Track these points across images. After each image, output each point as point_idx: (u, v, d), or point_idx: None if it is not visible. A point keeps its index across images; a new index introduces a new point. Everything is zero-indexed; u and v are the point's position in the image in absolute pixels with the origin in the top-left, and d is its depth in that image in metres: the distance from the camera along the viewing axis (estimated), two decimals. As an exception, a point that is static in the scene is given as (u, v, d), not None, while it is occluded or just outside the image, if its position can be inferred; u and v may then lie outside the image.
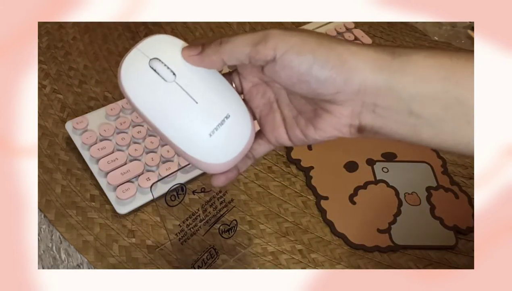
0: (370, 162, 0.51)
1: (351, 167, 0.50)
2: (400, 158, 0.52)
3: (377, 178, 0.50)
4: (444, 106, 0.23)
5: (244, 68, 0.28)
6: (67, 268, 0.39)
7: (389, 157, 0.52)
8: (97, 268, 0.39)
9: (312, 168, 0.49)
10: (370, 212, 0.47)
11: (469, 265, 0.44)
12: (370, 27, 0.68)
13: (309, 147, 0.51)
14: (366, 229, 0.45)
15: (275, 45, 0.23)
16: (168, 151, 0.45)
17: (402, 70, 0.23)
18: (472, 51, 0.25)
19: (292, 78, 0.24)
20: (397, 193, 0.49)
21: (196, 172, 0.46)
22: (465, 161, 0.53)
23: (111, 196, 0.42)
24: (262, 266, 0.42)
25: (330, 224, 0.45)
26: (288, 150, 0.50)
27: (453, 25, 0.70)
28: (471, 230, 0.46)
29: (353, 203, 0.47)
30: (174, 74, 0.26)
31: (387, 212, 0.47)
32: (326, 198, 0.47)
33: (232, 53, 0.25)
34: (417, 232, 0.46)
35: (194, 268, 0.38)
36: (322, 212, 0.46)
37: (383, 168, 0.51)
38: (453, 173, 0.52)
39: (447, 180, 0.51)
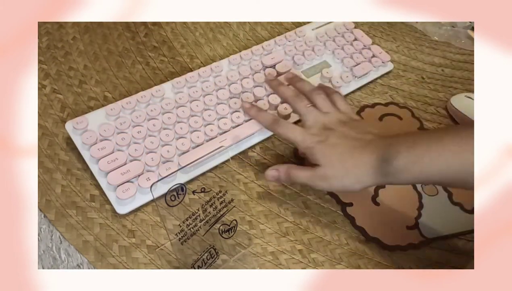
0: None
1: None
2: None
3: None
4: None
5: None
6: (67, 268, 0.39)
7: None
8: (97, 268, 0.39)
9: None
10: (395, 210, 0.46)
11: (469, 265, 0.44)
12: (370, 27, 0.68)
13: None
14: (395, 229, 0.45)
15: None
16: (168, 151, 0.45)
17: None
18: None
19: None
20: (414, 186, 0.48)
21: (196, 172, 0.46)
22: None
23: (111, 196, 0.42)
24: (262, 266, 0.42)
25: (361, 230, 0.44)
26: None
27: (453, 25, 0.70)
28: None
29: (377, 204, 0.47)
30: None
31: (411, 207, 0.46)
32: (351, 205, 0.46)
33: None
34: (442, 221, 0.45)
35: (194, 268, 0.38)
36: (351, 219, 0.45)
37: None
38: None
39: None
